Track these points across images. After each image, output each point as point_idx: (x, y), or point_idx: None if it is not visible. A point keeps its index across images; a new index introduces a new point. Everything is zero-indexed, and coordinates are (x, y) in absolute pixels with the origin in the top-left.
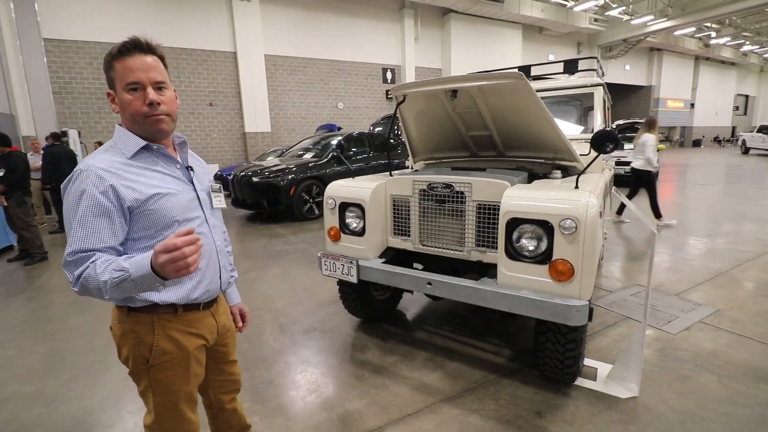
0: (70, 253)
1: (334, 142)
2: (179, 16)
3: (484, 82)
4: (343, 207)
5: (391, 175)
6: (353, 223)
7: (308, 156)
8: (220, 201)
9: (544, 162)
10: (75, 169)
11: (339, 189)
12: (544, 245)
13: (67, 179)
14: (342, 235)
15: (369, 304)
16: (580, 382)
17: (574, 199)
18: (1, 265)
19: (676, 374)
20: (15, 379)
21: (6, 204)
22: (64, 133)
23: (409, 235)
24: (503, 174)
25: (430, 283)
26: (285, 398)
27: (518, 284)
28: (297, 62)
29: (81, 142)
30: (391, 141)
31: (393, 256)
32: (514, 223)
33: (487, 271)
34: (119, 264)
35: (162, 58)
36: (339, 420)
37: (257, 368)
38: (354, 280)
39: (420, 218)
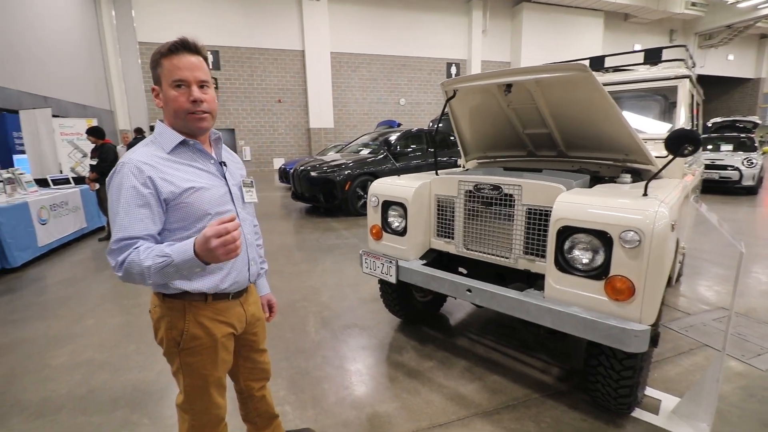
0: (115, 241)
1: (392, 138)
2: (254, 18)
3: (542, 75)
4: (386, 205)
5: (437, 174)
6: (395, 222)
7: (365, 152)
8: (251, 196)
9: (612, 164)
10: (118, 162)
11: (382, 187)
12: (600, 259)
13: (111, 172)
14: (384, 233)
15: (410, 306)
16: (639, 413)
17: (639, 208)
18: (94, 243)
19: (761, 419)
20: (90, 347)
21: (97, 189)
22: (151, 128)
23: (452, 238)
24: (560, 176)
25: (470, 290)
26: (318, 391)
27: (568, 299)
28: (361, 59)
29: None
30: (438, 138)
31: (435, 258)
32: (566, 232)
33: (535, 281)
34: (162, 250)
35: (206, 59)
36: (367, 421)
37: (296, 359)
38: (393, 280)
39: (465, 221)
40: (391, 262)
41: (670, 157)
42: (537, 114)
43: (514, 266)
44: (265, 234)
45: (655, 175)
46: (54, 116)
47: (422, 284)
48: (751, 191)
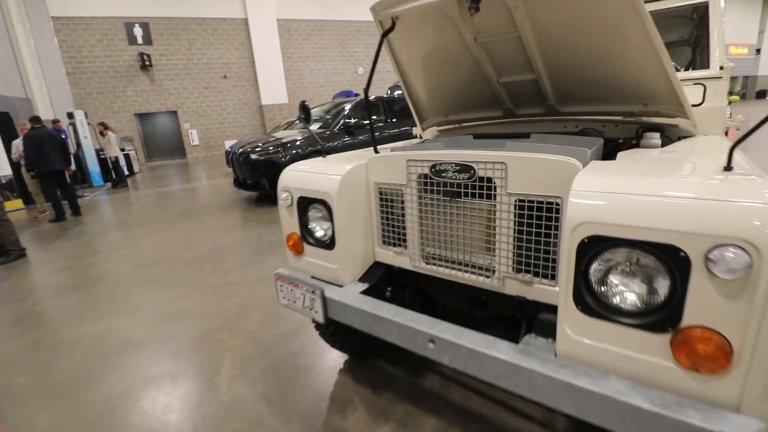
0: None
1: (346, 109)
2: None
3: None
4: (304, 204)
5: (376, 151)
6: (318, 228)
7: (315, 127)
8: None
9: (621, 121)
10: None
11: (295, 176)
12: (662, 294)
13: None
14: (305, 245)
15: (356, 336)
16: None
17: (739, 200)
18: None
19: None
20: None
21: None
22: (71, 115)
23: (405, 246)
24: (561, 142)
25: (432, 341)
26: None
27: (598, 361)
28: (312, 25)
29: (89, 124)
30: (371, 99)
31: (384, 277)
32: (593, 246)
33: (535, 316)
34: None
35: None
36: None
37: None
38: (320, 319)
39: (421, 221)
40: (314, 292)
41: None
42: (518, 50)
43: (500, 290)
44: (197, 233)
45: (748, 136)
46: None
47: (362, 328)
48: None
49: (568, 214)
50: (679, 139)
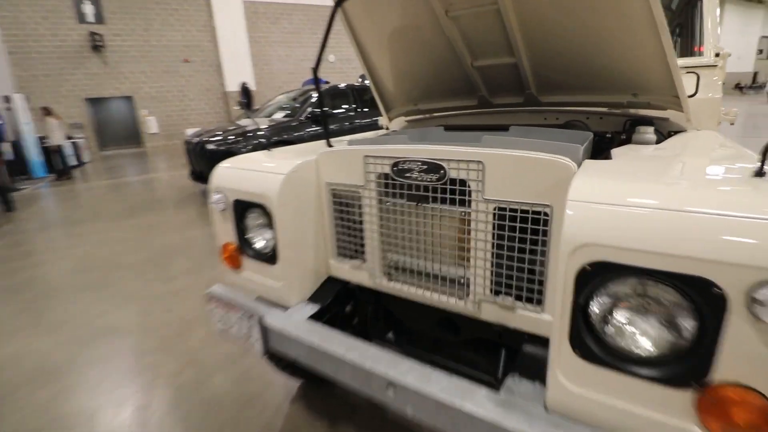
0: None
1: (314, 96)
2: None
3: None
4: (241, 208)
5: (329, 145)
6: (257, 238)
7: (280, 115)
8: None
9: (606, 113)
10: None
11: (230, 174)
12: (685, 338)
13: None
14: (243, 258)
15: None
16: None
17: None
18: None
19: None
20: None
21: None
22: (7, 99)
23: (364, 260)
24: (546, 137)
25: (392, 385)
26: None
27: (600, 419)
28: (281, 9)
29: (31, 108)
30: (340, 87)
31: (339, 295)
32: (597, 274)
33: (518, 348)
34: None
35: None
36: None
37: None
38: (258, 352)
39: (382, 229)
40: (251, 317)
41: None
42: (496, 27)
43: (475, 315)
44: (145, 232)
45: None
46: None
47: (308, 363)
48: None
49: (565, 232)
50: (670, 134)
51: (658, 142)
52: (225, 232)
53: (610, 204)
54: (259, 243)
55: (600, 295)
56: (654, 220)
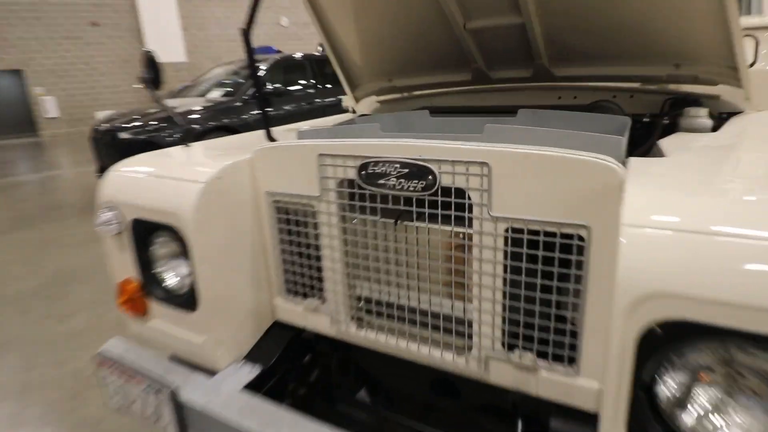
0: None
1: (261, 70)
2: None
3: None
4: (144, 231)
5: (270, 138)
6: (168, 273)
7: (217, 94)
8: None
9: (640, 89)
10: None
11: (126, 182)
12: None
13: None
14: (150, 302)
15: None
16: None
17: None
18: None
19: None
20: None
21: None
22: None
23: (322, 298)
24: (570, 125)
25: None
26: None
27: None
28: None
29: None
30: (296, 57)
31: (290, 346)
32: (671, 337)
33: (541, 413)
34: None
35: None
36: None
37: None
38: None
39: (347, 258)
40: (159, 392)
41: None
42: None
43: (481, 378)
44: (35, 251)
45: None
46: None
47: None
48: None
49: (621, 275)
50: (722, 116)
51: (713, 128)
52: (122, 265)
53: (690, 231)
54: (171, 280)
55: (674, 368)
56: (763, 258)
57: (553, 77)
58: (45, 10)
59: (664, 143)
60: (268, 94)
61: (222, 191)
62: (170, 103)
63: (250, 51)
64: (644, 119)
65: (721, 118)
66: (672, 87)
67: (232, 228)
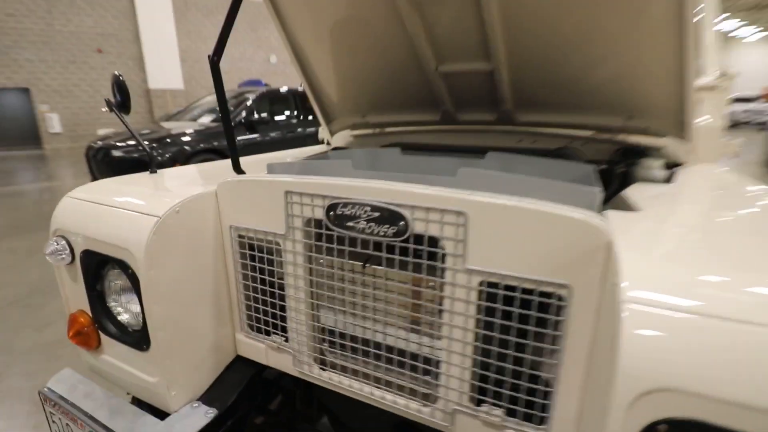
0: None
1: (249, 100)
2: None
3: None
4: (95, 263)
5: (237, 169)
6: (119, 309)
7: (207, 120)
8: None
9: (592, 138)
10: None
11: (79, 210)
12: None
13: None
14: (101, 335)
15: None
16: None
17: None
18: None
19: None
20: None
21: None
22: None
23: (285, 337)
24: (542, 172)
25: None
26: None
27: None
28: (215, 1)
29: None
30: (281, 90)
31: (251, 383)
32: None
33: None
34: None
35: None
36: None
37: None
38: None
39: (313, 298)
40: None
41: None
42: (472, 20)
43: (445, 430)
44: (20, 260)
45: None
46: None
47: None
48: None
49: (623, 365)
50: (667, 167)
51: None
52: (74, 296)
53: (699, 314)
54: (124, 316)
55: None
56: None
57: (515, 122)
58: (53, 37)
59: (629, 194)
60: (259, 121)
61: (180, 224)
62: (166, 125)
63: (218, 79)
64: (601, 167)
65: (668, 169)
66: (622, 137)
67: (192, 261)
